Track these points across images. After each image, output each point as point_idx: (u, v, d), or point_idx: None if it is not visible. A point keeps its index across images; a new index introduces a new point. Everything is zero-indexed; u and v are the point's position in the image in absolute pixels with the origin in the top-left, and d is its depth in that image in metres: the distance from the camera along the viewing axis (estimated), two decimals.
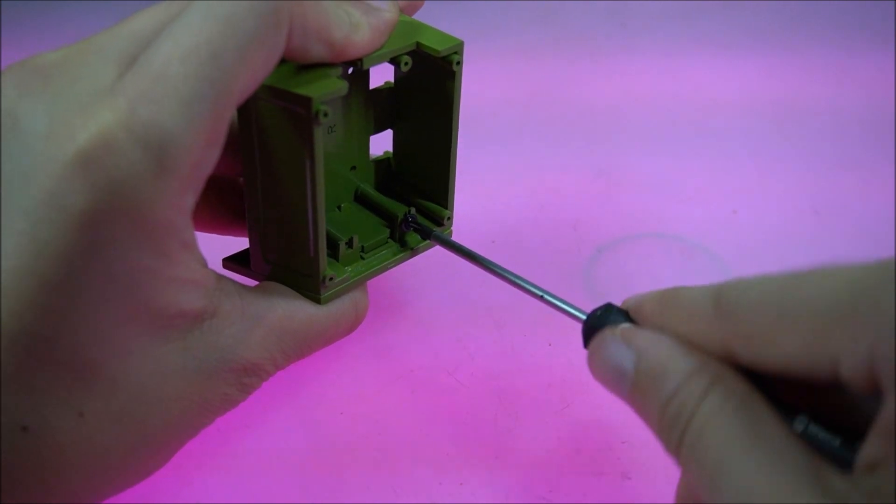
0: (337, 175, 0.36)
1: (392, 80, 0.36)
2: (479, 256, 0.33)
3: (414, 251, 0.36)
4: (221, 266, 0.34)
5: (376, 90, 0.36)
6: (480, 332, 0.41)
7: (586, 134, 0.56)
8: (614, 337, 0.26)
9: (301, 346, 0.31)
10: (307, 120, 0.28)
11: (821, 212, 0.49)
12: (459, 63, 0.33)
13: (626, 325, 0.26)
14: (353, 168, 0.37)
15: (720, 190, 0.51)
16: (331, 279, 0.31)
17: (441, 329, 0.40)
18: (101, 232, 0.24)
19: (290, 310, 0.31)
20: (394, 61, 0.32)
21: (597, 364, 0.26)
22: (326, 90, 0.28)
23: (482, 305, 0.42)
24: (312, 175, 0.29)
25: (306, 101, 0.28)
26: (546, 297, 0.30)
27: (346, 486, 0.33)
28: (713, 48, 0.67)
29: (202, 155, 0.25)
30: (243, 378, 0.29)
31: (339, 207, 0.36)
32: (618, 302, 0.28)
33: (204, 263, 0.28)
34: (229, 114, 0.26)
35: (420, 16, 0.35)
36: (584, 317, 0.28)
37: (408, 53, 0.32)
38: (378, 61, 0.31)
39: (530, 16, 0.71)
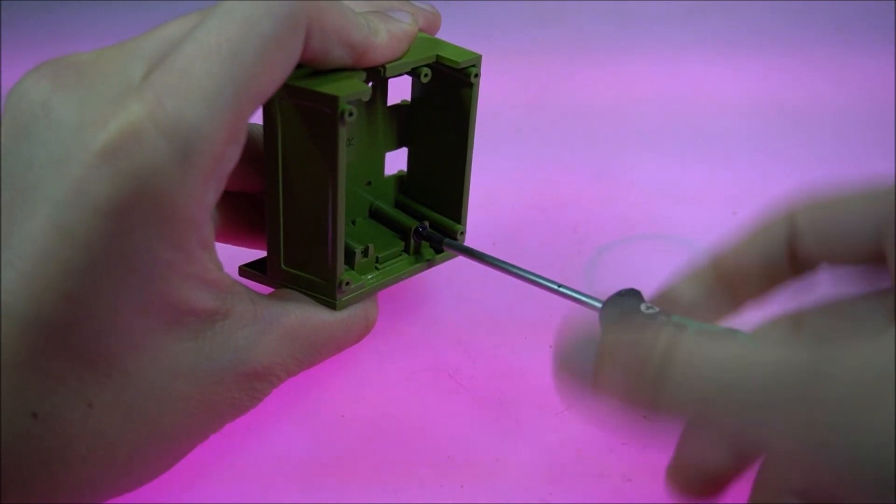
0: (352, 190, 0.36)
1: (408, 98, 0.37)
2: (492, 257, 0.33)
3: (429, 263, 0.36)
4: (238, 274, 0.34)
5: (394, 107, 0.36)
6: (481, 334, 0.41)
7: (586, 136, 0.56)
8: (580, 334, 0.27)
9: (313, 352, 0.31)
10: (332, 119, 0.28)
11: None
12: (477, 76, 0.33)
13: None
14: (369, 184, 0.37)
15: (720, 191, 0.51)
16: (347, 284, 0.32)
17: (442, 331, 0.41)
18: (124, 221, 0.24)
19: (304, 315, 0.31)
20: (414, 73, 0.33)
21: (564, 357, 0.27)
22: (352, 90, 0.29)
23: (483, 308, 0.42)
24: (334, 175, 0.29)
25: (332, 100, 0.28)
26: (561, 289, 0.31)
27: (347, 488, 0.34)
28: (713, 48, 0.67)
29: (224, 150, 0.26)
30: (254, 383, 0.29)
31: (353, 222, 0.37)
32: None
33: (220, 266, 0.28)
34: (250, 111, 0.27)
35: None
36: (599, 305, 0.29)
37: (428, 66, 0.33)
38: (400, 70, 0.32)
39: (530, 18, 0.71)
